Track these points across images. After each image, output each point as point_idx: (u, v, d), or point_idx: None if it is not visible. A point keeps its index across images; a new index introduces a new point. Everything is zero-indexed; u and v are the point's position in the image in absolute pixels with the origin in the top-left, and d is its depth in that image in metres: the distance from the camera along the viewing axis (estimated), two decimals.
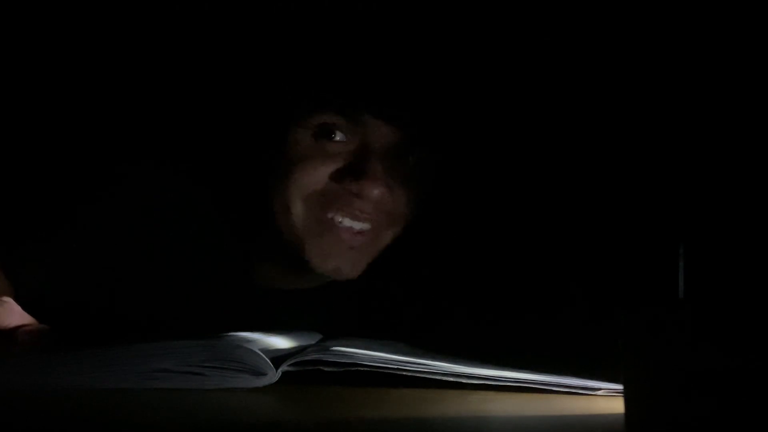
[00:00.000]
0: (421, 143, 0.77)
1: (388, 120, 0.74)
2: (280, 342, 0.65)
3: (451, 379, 0.58)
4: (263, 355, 0.55)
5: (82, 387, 0.53)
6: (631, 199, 0.77)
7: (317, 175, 0.75)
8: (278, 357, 0.58)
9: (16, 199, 0.81)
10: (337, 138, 0.75)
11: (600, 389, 0.58)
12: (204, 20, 0.89)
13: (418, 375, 0.58)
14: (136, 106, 0.90)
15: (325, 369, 0.57)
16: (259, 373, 0.55)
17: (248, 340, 0.60)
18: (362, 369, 0.58)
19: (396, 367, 0.58)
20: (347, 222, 0.75)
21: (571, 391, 0.58)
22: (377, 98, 0.75)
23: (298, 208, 0.75)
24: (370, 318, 0.83)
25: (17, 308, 0.68)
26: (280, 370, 0.56)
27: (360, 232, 0.76)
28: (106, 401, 0.51)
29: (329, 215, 0.75)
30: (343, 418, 0.50)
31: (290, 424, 0.49)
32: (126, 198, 0.81)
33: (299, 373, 0.57)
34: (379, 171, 0.74)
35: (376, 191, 0.74)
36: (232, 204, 0.83)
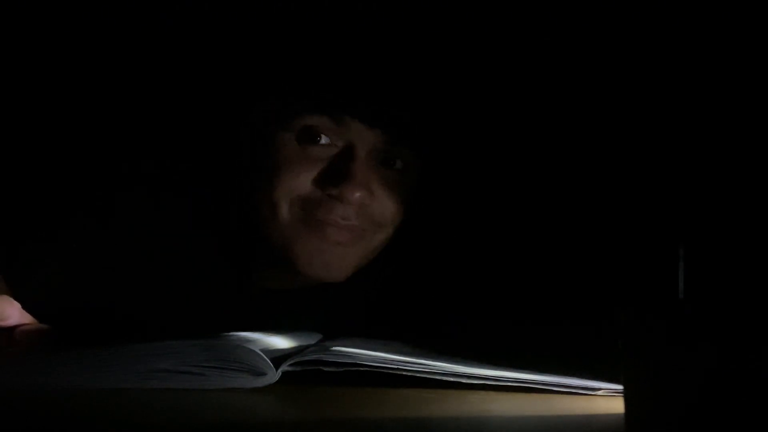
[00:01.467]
0: (408, 146, 0.76)
1: (373, 122, 0.73)
2: (280, 342, 0.65)
3: (451, 379, 0.58)
4: (263, 355, 0.55)
5: (82, 387, 0.53)
6: (631, 200, 0.77)
7: (301, 180, 0.74)
8: (278, 357, 0.58)
9: (17, 201, 0.81)
10: (322, 141, 0.74)
11: (600, 389, 0.58)
12: (189, 22, 0.88)
13: (418, 375, 0.58)
14: (130, 109, 0.90)
15: (325, 369, 0.58)
16: (259, 373, 0.55)
17: (248, 340, 0.60)
18: (362, 369, 0.58)
19: (396, 367, 0.58)
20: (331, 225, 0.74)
21: (571, 391, 0.58)
22: (361, 99, 0.74)
23: (283, 213, 0.74)
24: (370, 318, 0.83)
25: (17, 305, 0.68)
26: (280, 370, 0.56)
27: (346, 227, 0.75)
28: (106, 401, 0.51)
29: (314, 219, 0.74)
30: (343, 418, 0.50)
31: (290, 424, 0.49)
32: (126, 200, 0.81)
33: (299, 373, 0.57)
34: (361, 174, 0.73)
35: (357, 194, 0.73)
36: (229, 206, 0.82)
